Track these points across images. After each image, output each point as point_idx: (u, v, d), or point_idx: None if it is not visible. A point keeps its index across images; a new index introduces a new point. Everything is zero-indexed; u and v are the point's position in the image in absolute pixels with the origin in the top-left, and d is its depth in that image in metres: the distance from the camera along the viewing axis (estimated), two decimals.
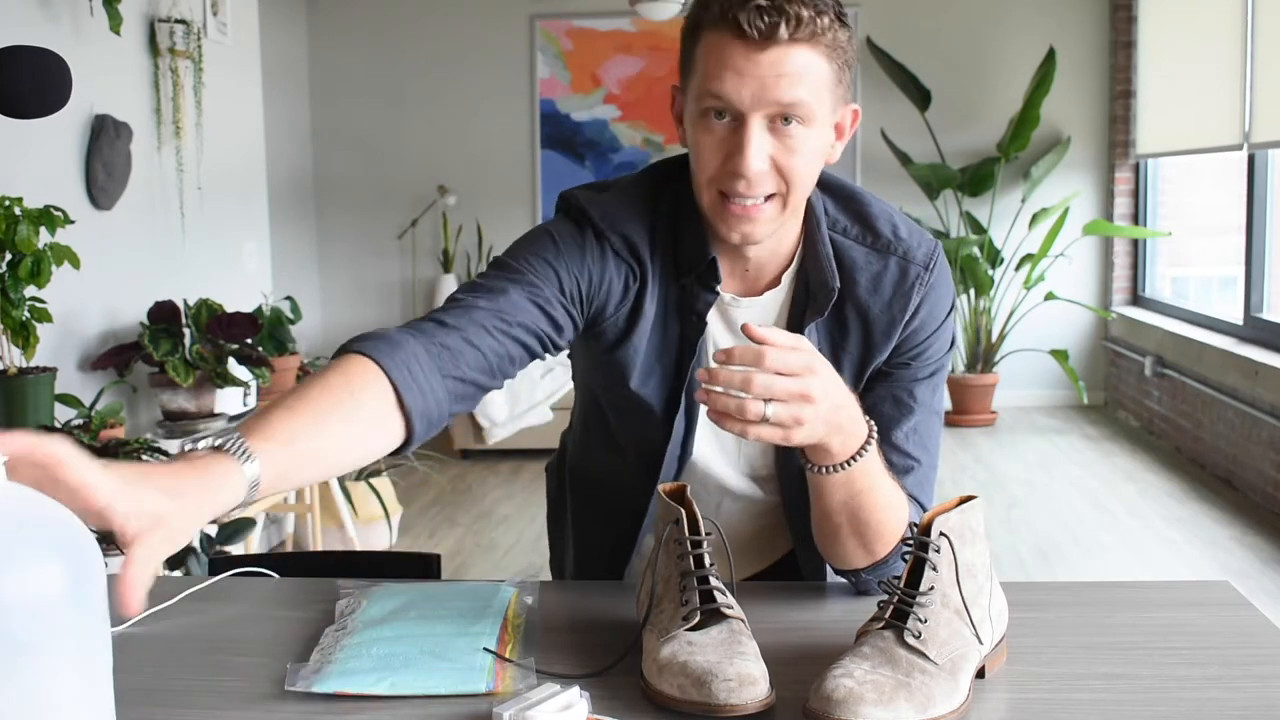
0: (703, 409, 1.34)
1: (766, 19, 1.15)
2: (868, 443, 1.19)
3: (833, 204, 1.35)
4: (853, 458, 1.18)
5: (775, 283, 1.35)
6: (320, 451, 1.04)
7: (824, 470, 1.19)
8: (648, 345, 1.34)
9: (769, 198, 1.23)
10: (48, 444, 0.84)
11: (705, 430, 1.40)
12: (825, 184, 1.36)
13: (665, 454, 1.38)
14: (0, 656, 0.79)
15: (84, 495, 0.84)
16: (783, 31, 1.15)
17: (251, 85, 4.49)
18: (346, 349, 1.13)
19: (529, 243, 1.31)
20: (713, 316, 1.34)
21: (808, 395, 1.08)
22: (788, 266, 1.35)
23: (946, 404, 6.63)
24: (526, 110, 7.08)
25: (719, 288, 1.33)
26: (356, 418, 1.08)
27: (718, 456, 1.42)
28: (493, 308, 1.22)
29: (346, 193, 7.18)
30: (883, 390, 1.35)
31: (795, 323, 1.34)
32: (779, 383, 1.07)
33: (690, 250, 1.32)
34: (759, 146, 1.19)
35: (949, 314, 1.36)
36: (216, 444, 0.96)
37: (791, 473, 1.40)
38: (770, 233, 1.27)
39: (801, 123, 1.20)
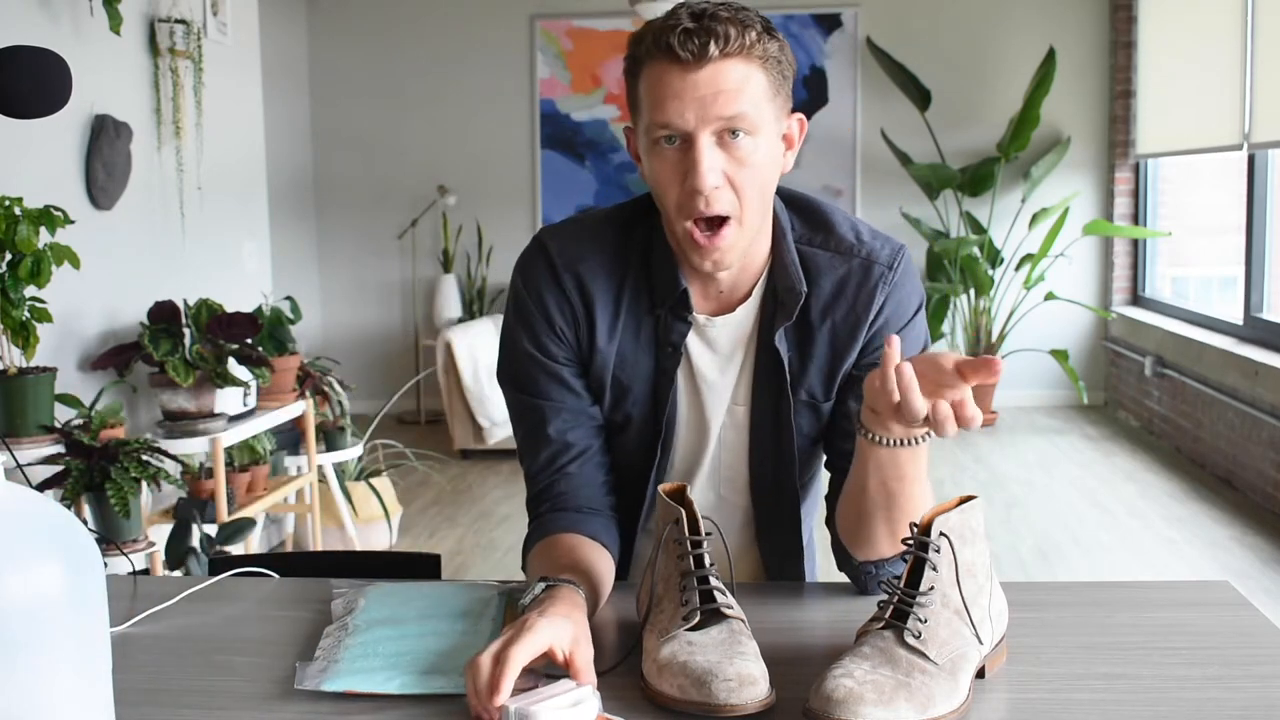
0: (680, 435, 1.41)
1: (697, 40, 1.21)
2: (927, 433, 1.18)
3: (798, 218, 1.40)
4: (909, 440, 1.17)
5: (747, 297, 1.39)
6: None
7: (878, 440, 1.18)
8: (625, 374, 1.39)
9: (725, 221, 1.27)
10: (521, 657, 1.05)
11: (681, 454, 1.44)
12: (790, 200, 1.42)
13: (645, 473, 1.42)
14: (0, 655, 0.79)
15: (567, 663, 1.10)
16: (713, 49, 1.21)
17: (251, 85, 4.49)
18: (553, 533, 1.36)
19: (527, 359, 1.39)
20: (691, 337, 1.39)
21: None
22: (758, 281, 1.39)
23: None
24: (526, 110, 7.09)
25: (694, 312, 1.37)
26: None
27: (692, 479, 1.45)
28: (574, 458, 1.38)
29: (346, 193, 7.19)
30: (855, 398, 1.35)
31: (766, 331, 1.38)
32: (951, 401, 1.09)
33: (663, 283, 1.36)
34: (711, 161, 1.24)
35: (916, 314, 1.39)
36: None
37: (764, 497, 1.44)
38: (739, 255, 1.31)
39: (748, 134, 1.24)
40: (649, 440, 1.40)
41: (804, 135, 1.35)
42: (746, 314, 1.38)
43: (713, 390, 1.40)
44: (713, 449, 1.43)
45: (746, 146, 1.24)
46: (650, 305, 1.37)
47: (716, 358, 1.39)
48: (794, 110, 1.33)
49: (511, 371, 1.42)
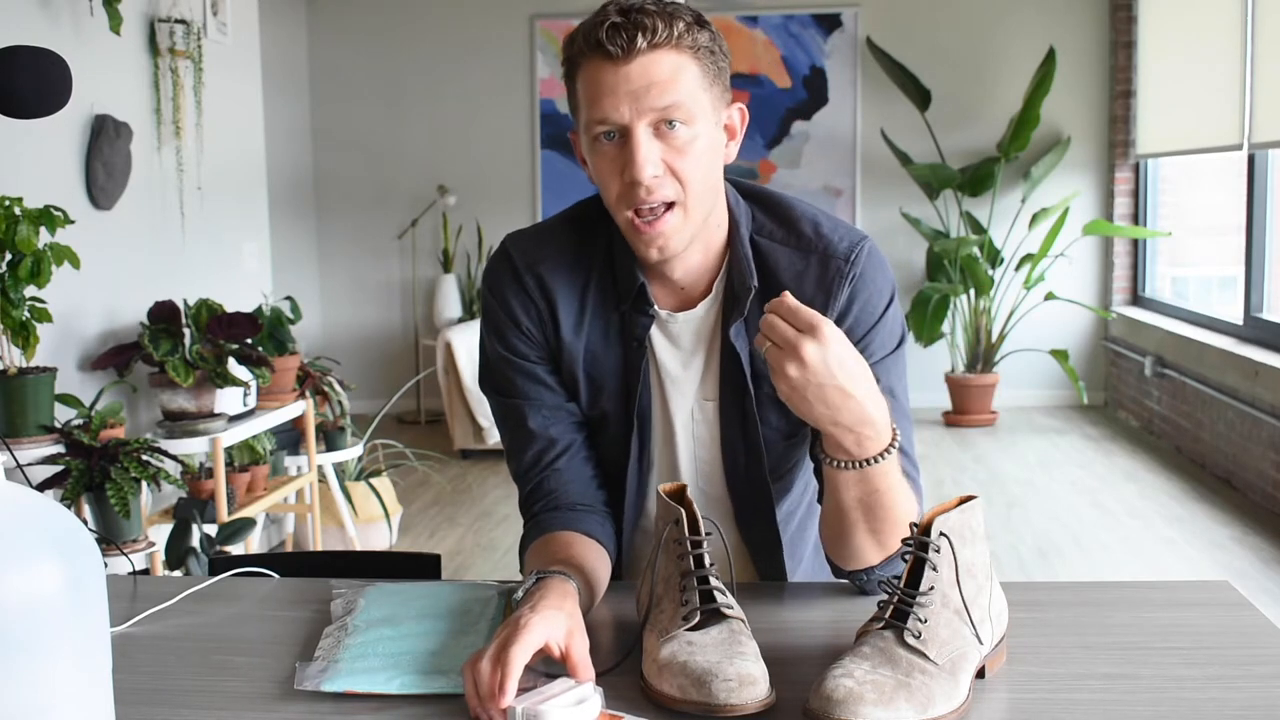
0: (656, 428, 1.42)
1: (625, 34, 1.24)
2: (888, 449, 1.20)
3: (759, 211, 1.41)
4: (868, 460, 1.19)
5: (708, 293, 1.40)
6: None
7: (837, 465, 1.21)
8: (597, 371, 1.41)
9: (669, 207, 1.28)
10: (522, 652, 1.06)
11: (660, 450, 1.44)
12: (751, 194, 1.43)
13: (626, 471, 1.43)
14: (0, 655, 0.79)
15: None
16: (641, 41, 1.24)
17: (251, 85, 4.49)
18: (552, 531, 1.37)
19: (502, 362, 1.42)
20: (654, 333, 1.40)
21: (796, 349, 1.12)
22: (718, 276, 1.40)
23: (945, 404, 6.63)
24: (526, 110, 7.09)
25: (655, 307, 1.38)
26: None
27: (674, 475, 1.45)
28: (559, 454, 1.40)
29: (346, 193, 7.19)
30: None
31: (725, 327, 1.38)
32: (779, 326, 1.14)
33: (623, 279, 1.38)
34: (648, 152, 1.26)
35: (887, 308, 1.38)
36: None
37: (742, 493, 1.44)
38: (685, 241, 1.32)
39: (685, 124, 1.26)
40: (623, 435, 1.42)
41: (745, 124, 1.36)
42: (708, 309, 1.40)
43: (675, 385, 1.41)
44: (688, 445, 1.43)
45: (684, 135, 1.26)
46: (615, 302, 1.39)
47: (679, 353, 1.41)
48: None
49: (490, 376, 1.45)
